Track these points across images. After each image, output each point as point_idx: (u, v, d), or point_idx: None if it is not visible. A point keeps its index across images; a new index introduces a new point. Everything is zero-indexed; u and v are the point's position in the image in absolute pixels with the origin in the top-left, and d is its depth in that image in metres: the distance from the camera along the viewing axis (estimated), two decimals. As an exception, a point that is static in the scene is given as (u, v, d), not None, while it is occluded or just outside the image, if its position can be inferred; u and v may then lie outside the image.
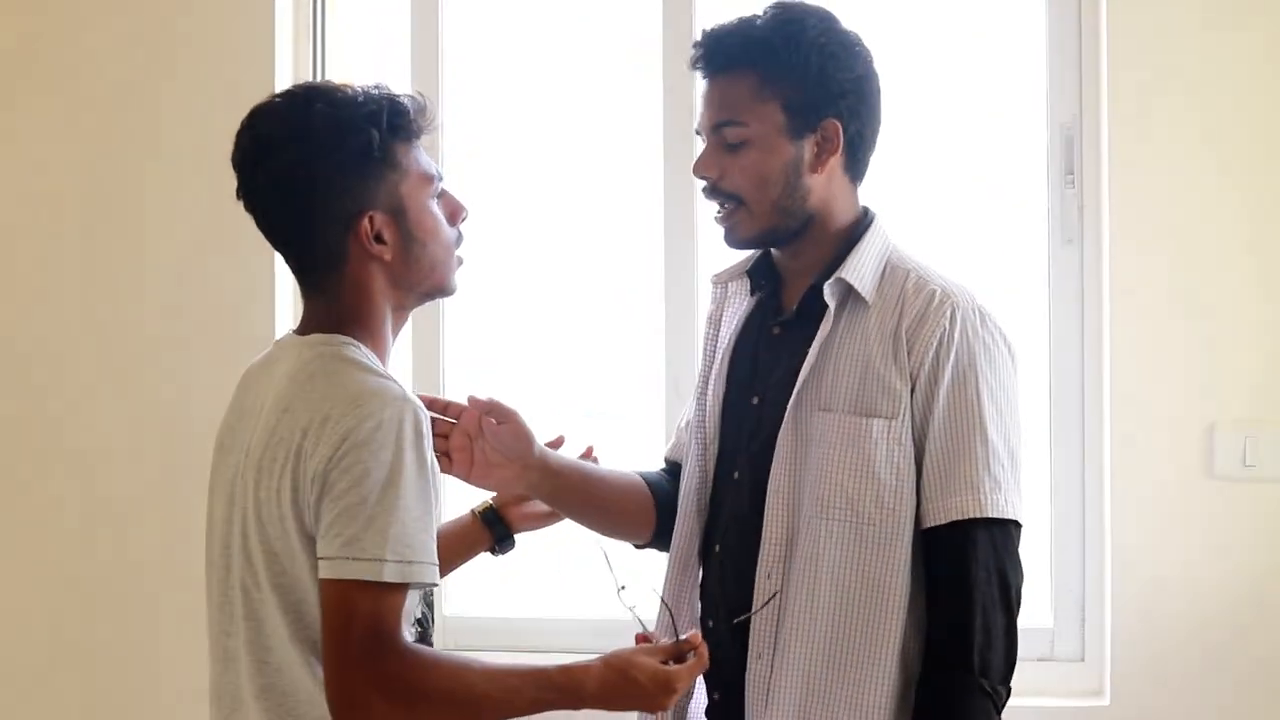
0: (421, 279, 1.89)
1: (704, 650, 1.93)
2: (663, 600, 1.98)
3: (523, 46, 3.29)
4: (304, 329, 1.89)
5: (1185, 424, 2.96)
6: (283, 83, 3.09)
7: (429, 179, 1.88)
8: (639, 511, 2.30)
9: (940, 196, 3.16)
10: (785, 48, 2.07)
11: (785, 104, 2.08)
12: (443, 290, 1.93)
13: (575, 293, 3.30)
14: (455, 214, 1.93)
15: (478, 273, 3.17)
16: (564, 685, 1.82)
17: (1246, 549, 2.93)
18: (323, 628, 1.74)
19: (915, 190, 3.12)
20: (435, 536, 1.79)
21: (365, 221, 1.82)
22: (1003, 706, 2.05)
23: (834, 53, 2.08)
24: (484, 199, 3.15)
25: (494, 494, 2.28)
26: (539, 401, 3.08)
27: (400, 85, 1.92)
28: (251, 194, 1.85)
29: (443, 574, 2.14)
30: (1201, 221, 2.95)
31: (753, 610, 2.08)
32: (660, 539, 2.30)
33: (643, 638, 1.95)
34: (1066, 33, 3.06)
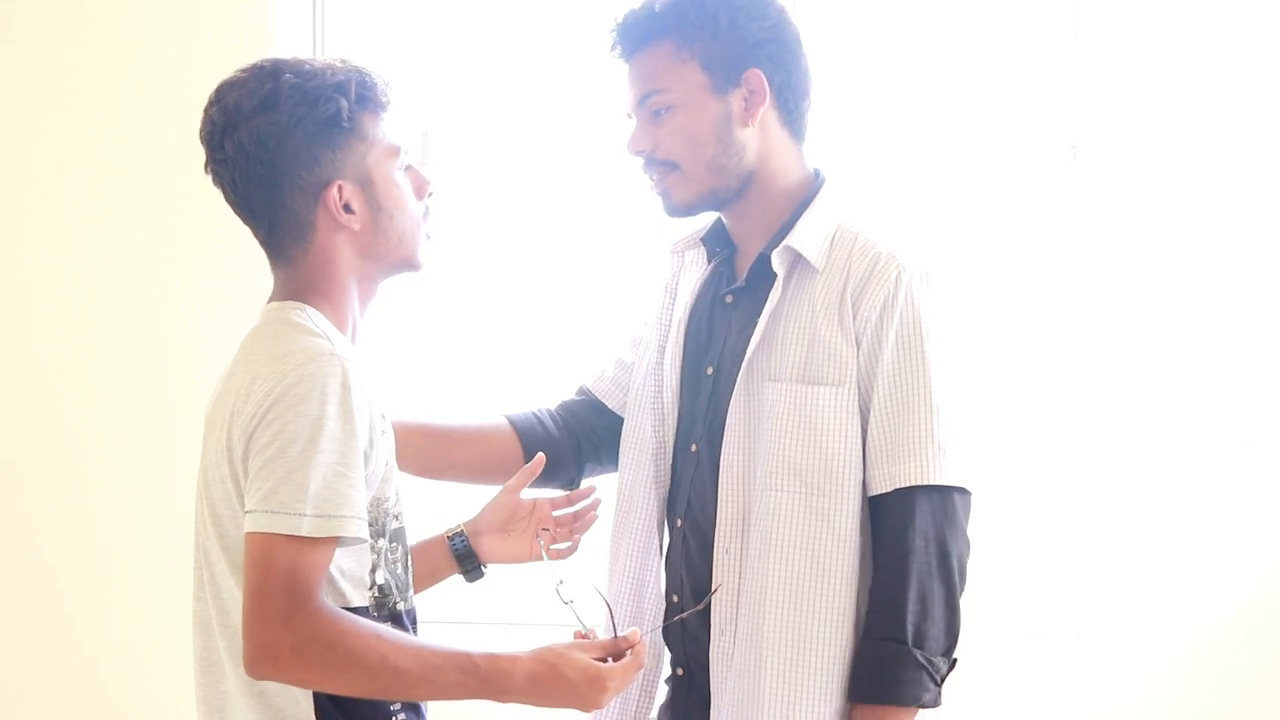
0: (389, 250, 1.88)
1: (641, 649, 1.87)
2: (601, 596, 1.94)
3: (522, 47, 3.30)
4: (270, 299, 1.89)
5: (1187, 405, 2.96)
6: None
7: (395, 150, 1.88)
8: (502, 463, 2.24)
9: (938, 172, 3.16)
10: (693, 8, 2.06)
11: (703, 63, 2.06)
12: (410, 263, 1.91)
13: (561, 281, 3.30)
14: (421, 188, 1.92)
15: (479, 266, 3.26)
16: (488, 674, 1.76)
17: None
18: (244, 582, 1.72)
19: (910, 164, 3.12)
20: (362, 492, 1.75)
21: (334, 191, 1.83)
22: (942, 679, 2.00)
23: (742, 4, 2.07)
24: (478, 188, 3.18)
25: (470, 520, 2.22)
26: (522, 391, 3.00)
27: (368, 63, 1.94)
28: (220, 165, 1.85)
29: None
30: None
31: (687, 612, 2.08)
32: (542, 481, 2.26)
33: (581, 635, 1.89)
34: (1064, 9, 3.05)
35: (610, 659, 1.85)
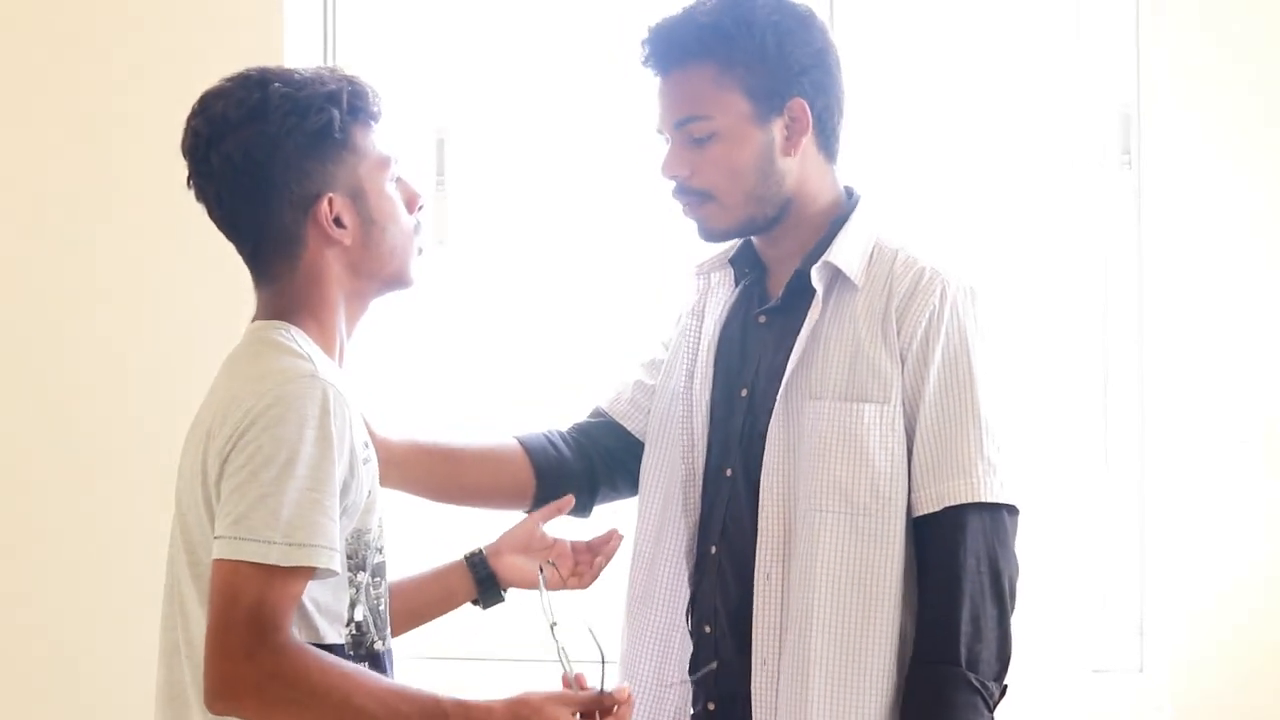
0: (381, 265, 1.84)
1: (628, 710, 1.79)
2: (597, 643, 1.83)
3: (537, 50, 3.24)
4: (253, 319, 1.85)
5: (1251, 424, 2.83)
6: None
7: (386, 162, 1.84)
8: (513, 485, 2.19)
9: (989, 181, 3.06)
10: (739, 32, 2.01)
11: (747, 90, 2.02)
12: (401, 279, 1.87)
13: (578, 294, 3.23)
14: (412, 201, 1.88)
15: (491, 278, 3.19)
16: None
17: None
18: (209, 609, 1.66)
19: (963, 175, 3.04)
20: (336, 522, 1.69)
21: (324, 204, 1.78)
22: (995, 704, 1.97)
23: (790, 29, 2.03)
24: (491, 196, 3.13)
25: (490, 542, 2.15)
26: (538, 408, 2.97)
27: (362, 72, 1.90)
28: (205, 179, 1.80)
29: (415, 625, 2.08)
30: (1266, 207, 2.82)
31: (694, 675, 2.06)
32: (542, 504, 2.19)
33: (568, 684, 1.82)
34: (1124, 6, 2.94)
35: (597, 714, 1.76)
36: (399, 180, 1.87)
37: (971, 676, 1.93)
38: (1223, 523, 2.83)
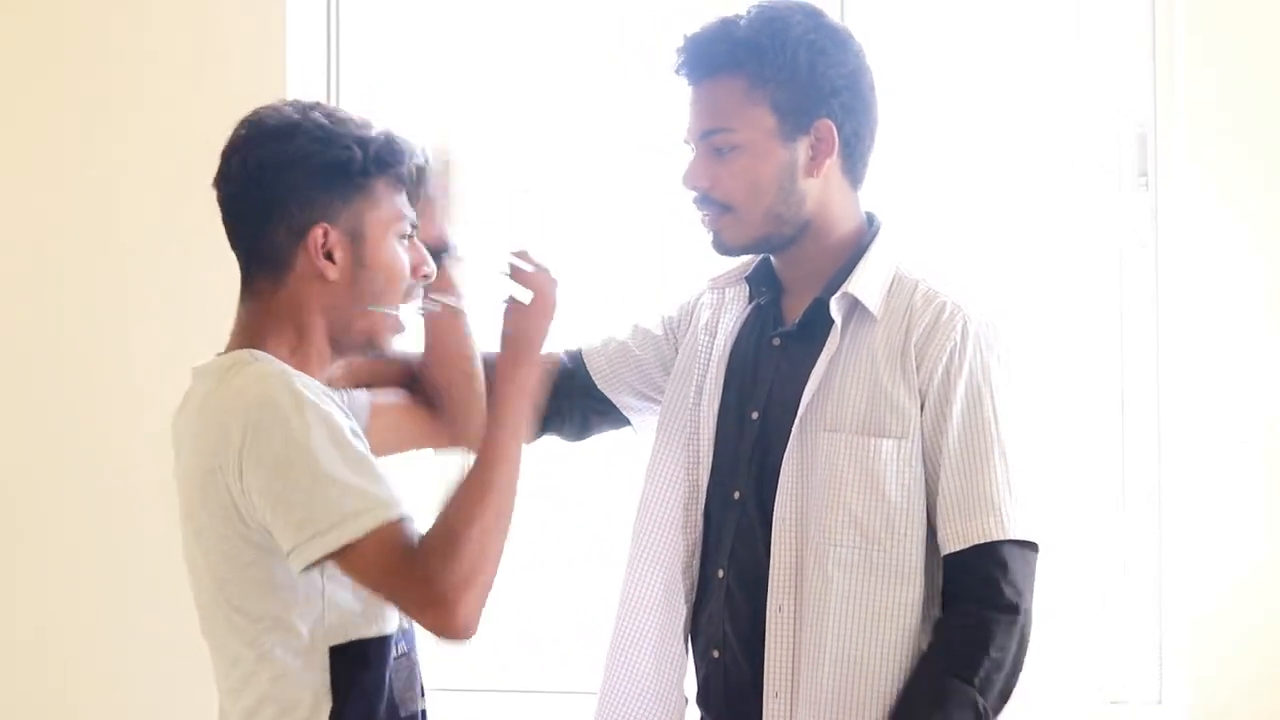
0: (358, 316, 1.84)
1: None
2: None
3: (524, 46, 3.23)
4: (228, 343, 1.86)
5: (1273, 453, 2.78)
6: (294, 82, 3.06)
7: (399, 218, 1.86)
8: None
9: (1005, 201, 3.03)
10: (773, 47, 1.99)
11: (775, 106, 2.00)
12: (375, 340, 1.87)
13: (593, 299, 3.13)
14: (418, 265, 1.89)
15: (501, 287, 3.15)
16: (507, 402, 1.83)
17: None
18: (375, 591, 1.74)
19: (979, 195, 3.01)
20: (379, 470, 1.74)
21: (318, 233, 1.80)
22: None
23: (824, 48, 2.01)
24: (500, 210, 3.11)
25: None
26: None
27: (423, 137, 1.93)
28: (222, 179, 1.84)
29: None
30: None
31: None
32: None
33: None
34: (1140, 25, 2.90)
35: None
36: (410, 241, 1.88)
37: (980, 700, 1.92)
38: (1242, 554, 2.79)
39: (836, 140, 2.02)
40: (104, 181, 3.16)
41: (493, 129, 3.20)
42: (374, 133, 1.83)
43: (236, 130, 1.84)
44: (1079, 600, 2.91)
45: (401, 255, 1.86)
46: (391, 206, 1.84)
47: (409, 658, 1.85)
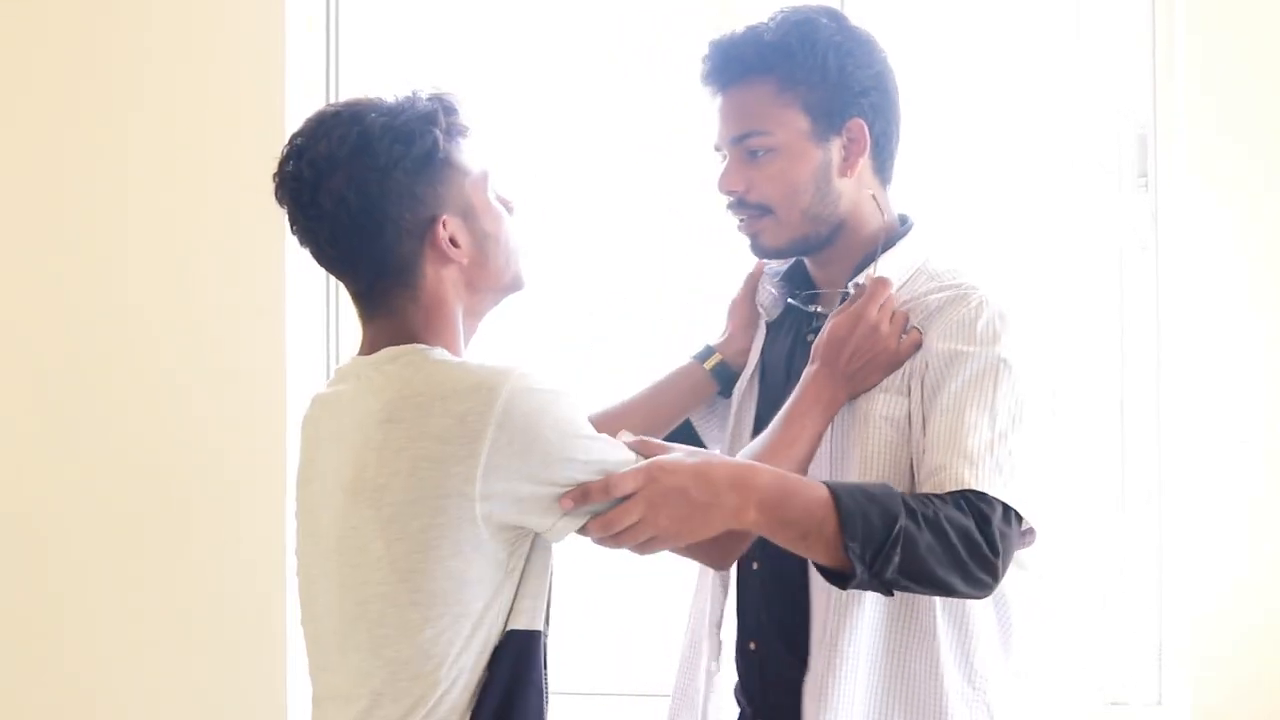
0: (497, 277, 1.84)
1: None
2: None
3: (524, 47, 3.23)
4: (369, 349, 1.80)
5: (1274, 453, 2.78)
6: (294, 81, 3.02)
7: (486, 175, 1.84)
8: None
9: (1004, 202, 3.04)
10: (802, 50, 2.01)
11: (807, 107, 2.02)
12: (518, 283, 1.88)
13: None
14: (510, 207, 1.88)
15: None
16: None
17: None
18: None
19: (978, 195, 3.01)
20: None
21: (440, 227, 1.77)
22: (873, 560, 1.79)
23: (851, 50, 2.03)
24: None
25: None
26: None
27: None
28: (314, 221, 1.77)
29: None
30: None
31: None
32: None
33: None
34: (1140, 25, 2.91)
35: None
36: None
37: (902, 519, 1.78)
38: (1242, 554, 2.79)
39: (868, 139, 2.04)
40: (104, 181, 3.14)
41: (492, 129, 3.19)
42: (428, 105, 1.79)
43: (293, 168, 1.76)
44: (1079, 600, 2.91)
45: (500, 206, 1.84)
46: (475, 163, 1.82)
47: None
